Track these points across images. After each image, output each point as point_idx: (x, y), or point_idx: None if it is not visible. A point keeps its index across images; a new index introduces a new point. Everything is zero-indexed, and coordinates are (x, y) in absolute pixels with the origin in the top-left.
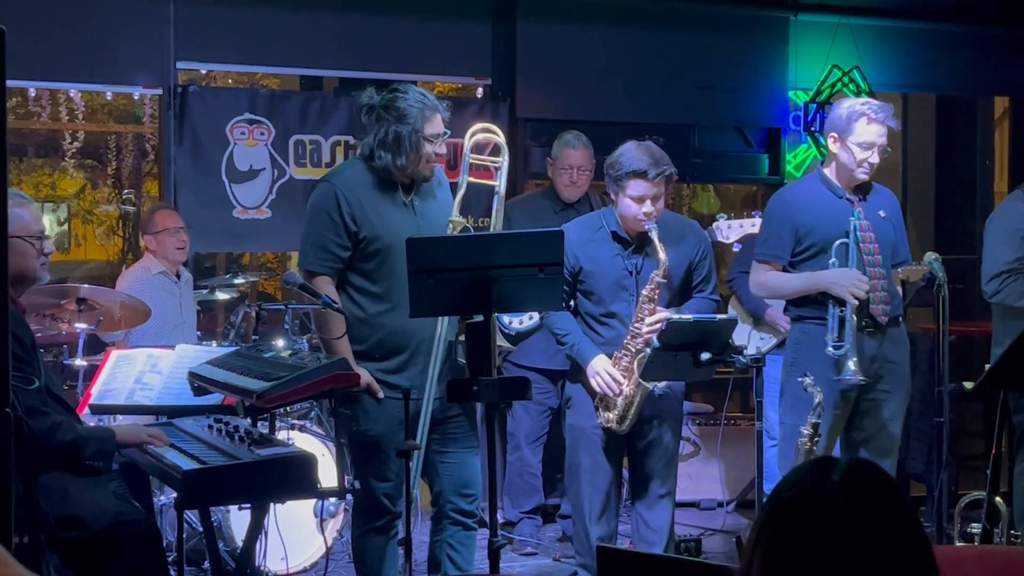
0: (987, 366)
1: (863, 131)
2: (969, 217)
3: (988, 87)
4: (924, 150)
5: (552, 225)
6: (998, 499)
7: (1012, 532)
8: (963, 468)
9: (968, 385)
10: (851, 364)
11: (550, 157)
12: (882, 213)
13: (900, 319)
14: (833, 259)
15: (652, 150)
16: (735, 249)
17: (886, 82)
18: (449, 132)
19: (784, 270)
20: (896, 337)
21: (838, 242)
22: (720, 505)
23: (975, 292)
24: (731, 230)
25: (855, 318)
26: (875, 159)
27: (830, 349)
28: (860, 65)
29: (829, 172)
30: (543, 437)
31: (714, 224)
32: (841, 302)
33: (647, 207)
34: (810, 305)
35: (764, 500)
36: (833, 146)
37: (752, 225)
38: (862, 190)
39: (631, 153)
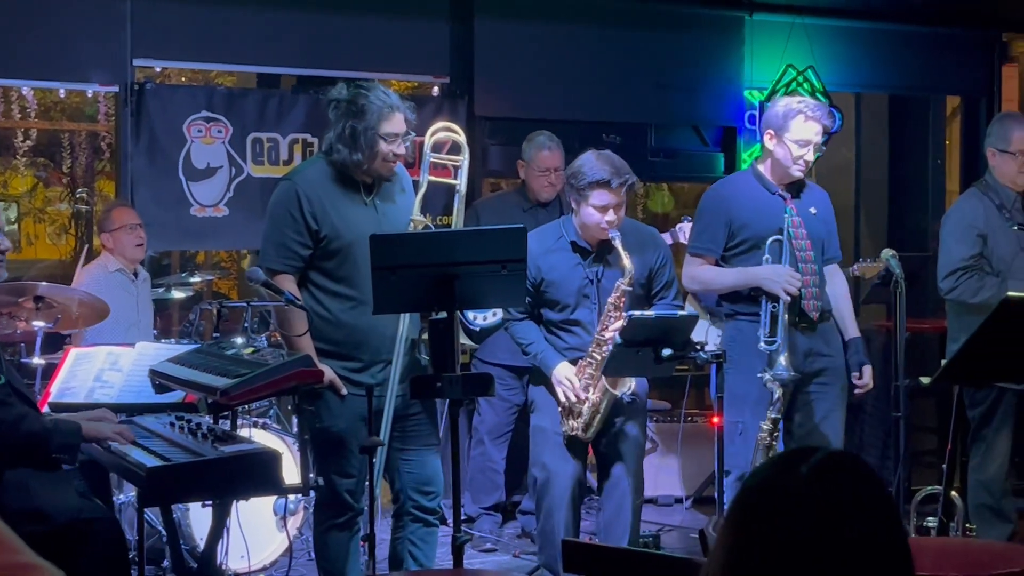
0: (943, 362)
1: (799, 128)
2: (921, 215)
3: (940, 87)
4: (877, 149)
5: (521, 224)
6: (953, 493)
7: (967, 526)
8: (917, 463)
9: (925, 380)
10: (783, 360)
11: (522, 160)
12: (813, 210)
13: (829, 314)
14: (767, 255)
15: (613, 159)
16: None
17: (840, 81)
18: (413, 134)
19: (717, 264)
20: (827, 331)
21: (772, 239)
22: (678, 501)
23: (928, 289)
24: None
25: (787, 314)
26: (810, 156)
27: (762, 345)
28: (814, 65)
29: (764, 168)
30: (508, 433)
31: (678, 226)
32: (774, 298)
33: (610, 216)
34: (743, 301)
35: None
36: (769, 143)
37: None
38: (795, 187)
39: (593, 163)
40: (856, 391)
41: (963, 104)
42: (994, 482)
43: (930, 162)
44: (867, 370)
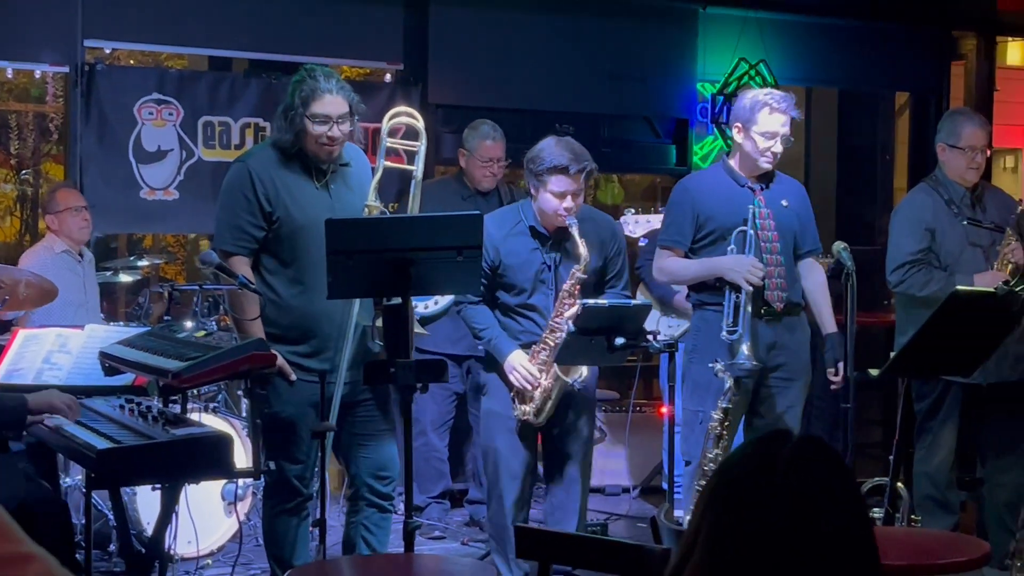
0: (891, 354)
1: (766, 121)
2: (869, 210)
3: (890, 83)
4: (826, 143)
5: (460, 211)
6: (899, 484)
7: (912, 517)
8: (862, 455)
9: (873, 372)
10: (744, 349)
11: (464, 148)
12: (784, 202)
13: (800, 307)
14: (732, 246)
15: (573, 145)
16: (641, 244)
17: (791, 76)
18: (356, 117)
19: (686, 256)
20: (794, 324)
21: (737, 230)
22: (625, 491)
23: (875, 284)
24: (638, 224)
25: (750, 304)
26: (778, 148)
27: (724, 334)
28: (766, 59)
29: (734, 162)
30: (449, 422)
31: (621, 219)
32: (737, 288)
33: (568, 202)
34: (709, 291)
35: (687, 483)
36: (737, 136)
37: (659, 221)
38: (766, 179)
39: (552, 148)
40: (831, 387)
41: (912, 100)
42: (939, 474)
43: (878, 158)
44: (840, 366)
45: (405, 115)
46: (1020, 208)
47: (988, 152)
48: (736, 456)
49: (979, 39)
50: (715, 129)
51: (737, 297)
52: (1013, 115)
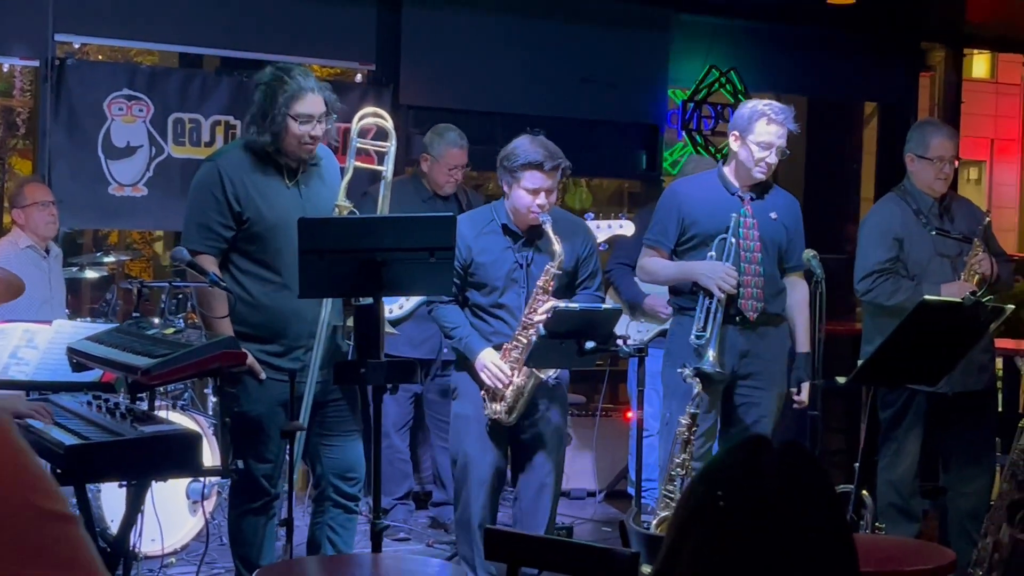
0: (858, 362)
1: (762, 131)
2: (836, 219)
3: (859, 93)
4: (795, 152)
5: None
6: (864, 492)
7: (876, 524)
8: (826, 462)
9: (841, 380)
10: (710, 354)
11: (428, 153)
12: (773, 215)
13: (780, 318)
14: (712, 252)
15: (546, 143)
16: (601, 249)
17: (761, 84)
18: (334, 116)
19: (670, 258)
20: (770, 335)
21: (719, 237)
22: (590, 495)
23: (842, 292)
24: (599, 231)
25: (722, 311)
26: (773, 159)
27: (692, 337)
28: (737, 66)
29: (728, 170)
30: (409, 423)
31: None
32: (710, 294)
33: (541, 199)
34: (686, 296)
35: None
36: (734, 144)
37: (620, 227)
38: (760, 190)
39: (526, 145)
40: (794, 405)
41: (880, 110)
42: (902, 482)
43: (846, 167)
44: (805, 387)
45: (375, 116)
46: (987, 219)
47: (956, 163)
48: (719, 464)
49: (947, 51)
50: (685, 135)
51: (709, 302)
52: (978, 127)
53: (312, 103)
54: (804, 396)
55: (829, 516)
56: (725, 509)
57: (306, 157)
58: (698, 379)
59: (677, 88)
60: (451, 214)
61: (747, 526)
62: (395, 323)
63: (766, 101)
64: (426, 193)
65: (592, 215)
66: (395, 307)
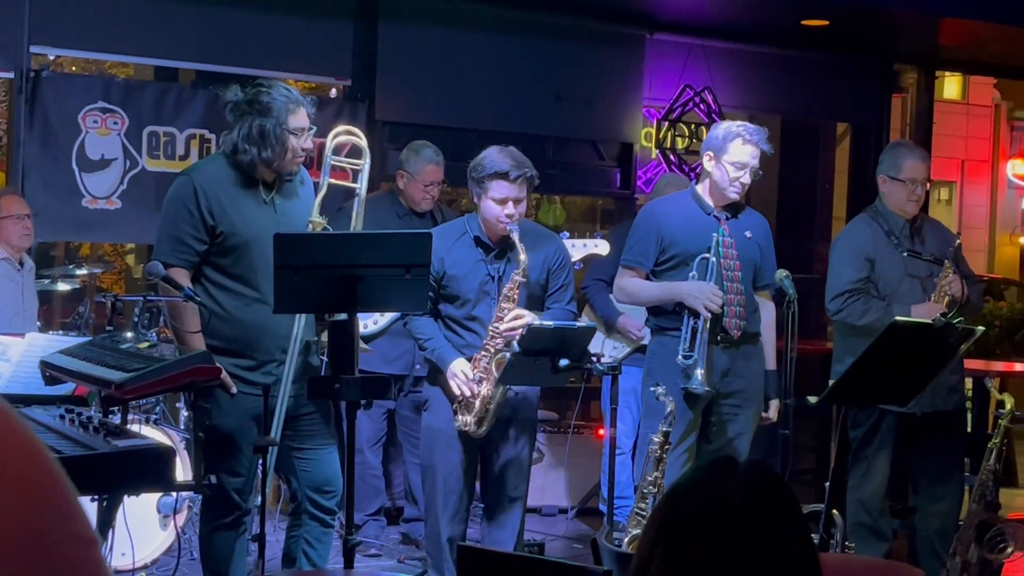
0: (829, 381)
1: (737, 151)
2: (808, 239)
3: (831, 113)
4: (767, 172)
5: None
6: (834, 511)
7: (846, 543)
8: (795, 481)
9: (812, 399)
10: (698, 374)
11: (404, 170)
12: (748, 234)
13: (758, 336)
14: (694, 272)
15: (514, 154)
16: (576, 268)
17: (735, 103)
18: (315, 128)
19: (648, 278)
20: (750, 353)
21: (700, 256)
22: (562, 512)
23: (813, 312)
24: (574, 249)
25: (707, 331)
26: (746, 179)
27: (680, 358)
28: (711, 85)
29: (702, 189)
30: (383, 439)
31: None
32: (696, 314)
33: (509, 209)
34: (668, 316)
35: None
36: (708, 164)
37: (595, 246)
38: (733, 210)
39: (494, 156)
40: (761, 423)
41: (852, 131)
42: (872, 501)
43: (818, 187)
44: (773, 404)
45: (349, 134)
46: (957, 241)
47: (928, 185)
48: (685, 484)
49: (920, 73)
50: (659, 153)
51: (695, 322)
52: (948, 148)
53: (304, 116)
54: (772, 413)
55: (796, 537)
56: (689, 530)
57: (296, 170)
58: (671, 398)
59: (652, 106)
60: (427, 231)
61: (711, 546)
62: (369, 339)
63: (740, 122)
64: (402, 209)
65: (567, 234)
66: (369, 323)
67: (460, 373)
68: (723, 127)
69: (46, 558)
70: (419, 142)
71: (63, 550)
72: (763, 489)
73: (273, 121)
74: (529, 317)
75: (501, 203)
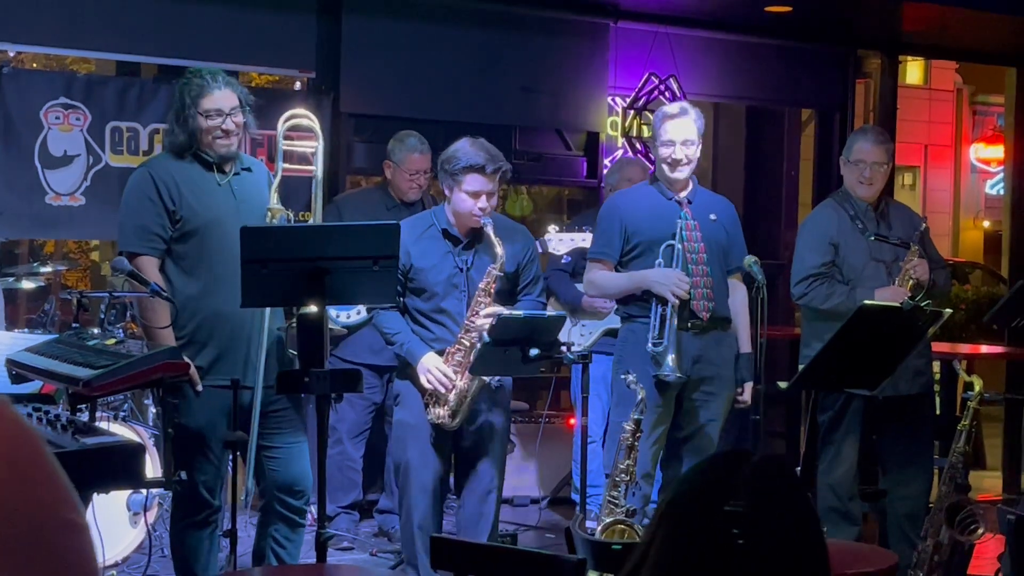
0: (799, 367)
1: (664, 130)
2: (775, 224)
3: (796, 100)
4: (734, 158)
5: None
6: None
7: None
8: None
9: (782, 385)
10: (670, 360)
11: (390, 160)
12: (713, 216)
13: (728, 321)
14: (660, 259)
15: (488, 146)
16: (564, 261)
17: (700, 91)
18: (248, 107)
19: (616, 269)
20: (720, 339)
21: (665, 244)
22: (534, 502)
23: (780, 297)
24: (562, 243)
25: (676, 317)
26: (679, 154)
27: (650, 345)
28: (676, 73)
29: (659, 175)
30: (365, 432)
31: (545, 236)
32: (664, 300)
33: (482, 202)
34: (636, 304)
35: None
36: (653, 150)
37: (583, 240)
38: (694, 193)
39: (467, 149)
40: (736, 405)
41: (817, 117)
42: (841, 485)
43: (784, 173)
44: (748, 387)
45: (299, 116)
46: (924, 225)
47: (887, 168)
48: (695, 474)
49: (883, 58)
50: (625, 142)
51: (663, 309)
52: (912, 133)
53: (219, 99)
54: (747, 396)
55: (806, 533)
56: (693, 519)
57: (223, 152)
58: (641, 385)
59: (617, 95)
60: (394, 223)
61: (713, 537)
62: (354, 328)
63: (668, 104)
64: (391, 201)
65: (556, 228)
66: (353, 312)
67: (433, 368)
68: (657, 112)
69: (43, 547)
70: (404, 132)
71: (59, 538)
72: (774, 484)
73: (185, 105)
74: (500, 310)
75: (475, 196)
